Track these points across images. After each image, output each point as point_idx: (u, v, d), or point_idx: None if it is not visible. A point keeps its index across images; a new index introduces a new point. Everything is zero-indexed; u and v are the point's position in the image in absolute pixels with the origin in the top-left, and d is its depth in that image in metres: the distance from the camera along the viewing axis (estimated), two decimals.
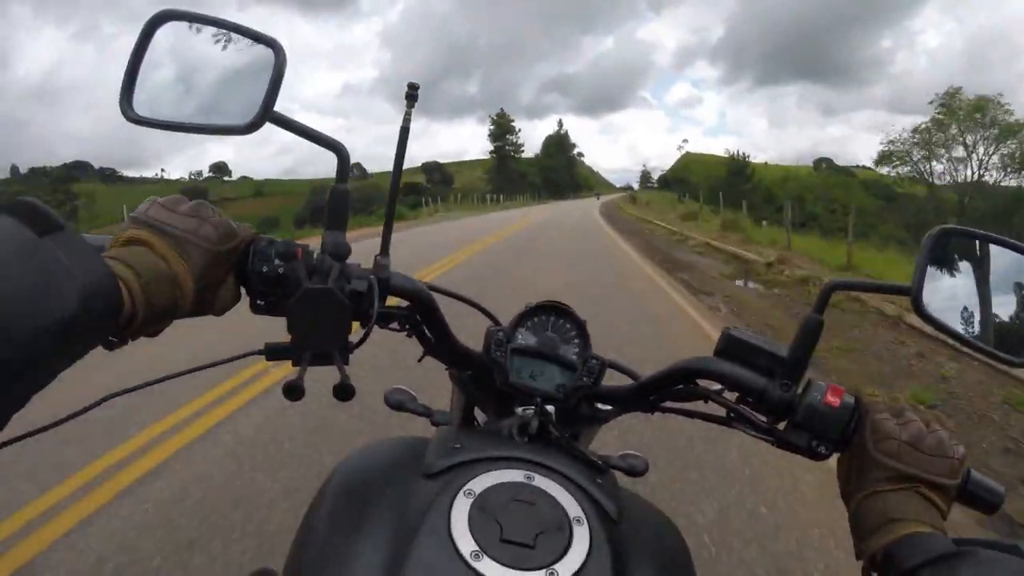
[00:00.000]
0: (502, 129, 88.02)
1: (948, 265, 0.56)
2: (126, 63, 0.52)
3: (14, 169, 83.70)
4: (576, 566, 0.43)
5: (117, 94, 0.51)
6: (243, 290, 0.54)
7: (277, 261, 0.53)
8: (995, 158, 31.77)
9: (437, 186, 73.33)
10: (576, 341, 0.67)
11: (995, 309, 0.56)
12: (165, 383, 0.53)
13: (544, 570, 0.42)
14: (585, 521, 0.47)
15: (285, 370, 1.68)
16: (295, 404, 0.58)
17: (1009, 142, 31.08)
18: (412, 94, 0.59)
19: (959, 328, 0.55)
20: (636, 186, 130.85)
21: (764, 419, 0.57)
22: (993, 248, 0.55)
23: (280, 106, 0.52)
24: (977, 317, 0.56)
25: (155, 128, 0.52)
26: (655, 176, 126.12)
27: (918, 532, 0.46)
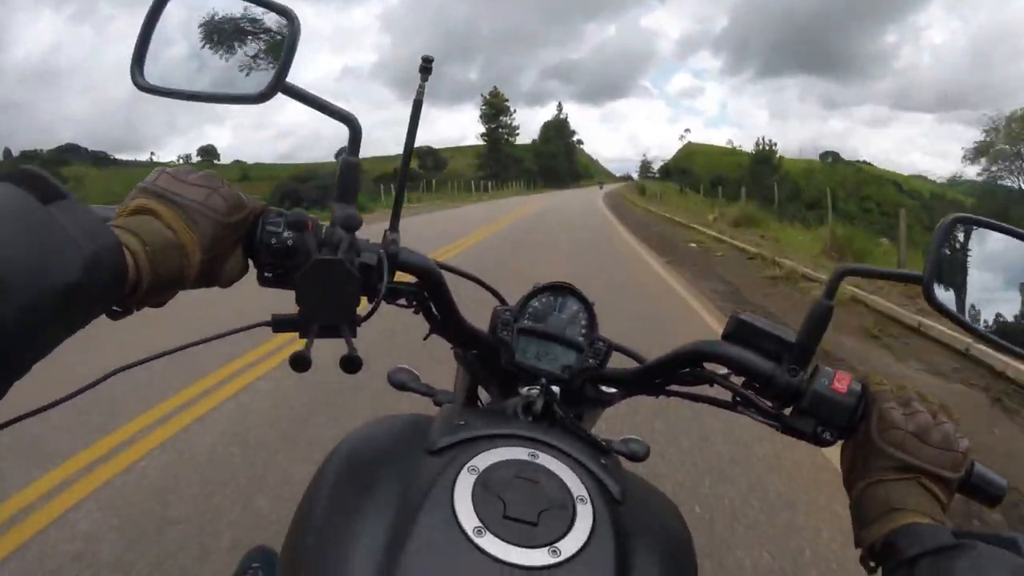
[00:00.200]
0: (495, 109, 78.57)
1: (961, 254, 0.56)
2: (138, 31, 0.51)
3: (7, 152, 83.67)
4: (579, 545, 0.43)
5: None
6: (250, 262, 0.54)
7: (287, 232, 0.52)
8: None
9: (430, 172, 70.74)
10: (583, 323, 0.66)
11: (1006, 299, 0.56)
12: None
13: (546, 548, 0.42)
14: (589, 500, 0.47)
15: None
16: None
17: None
18: (427, 67, 0.58)
19: (969, 318, 0.55)
20: (636, 176, 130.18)
21: (770, 404, 0.57)
22: (1006, 238, 0.55)
23: None
24: (988, 306, 0.56)
25: (165, 96, 0.51)
26: (655, 166, 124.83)
27: (918, 523, 0.46)
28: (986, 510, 2.00)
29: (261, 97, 0.50)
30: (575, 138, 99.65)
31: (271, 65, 0.53)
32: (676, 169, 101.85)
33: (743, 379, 0.59)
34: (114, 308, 0.43)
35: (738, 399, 0.59)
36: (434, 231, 12.74)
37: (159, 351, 0.51)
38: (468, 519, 0.43)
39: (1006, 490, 0.52)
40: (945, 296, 0.53)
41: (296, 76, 0.51)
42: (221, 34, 0.55)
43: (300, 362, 0.49)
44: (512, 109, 79.46)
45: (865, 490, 0.50)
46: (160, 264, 0.43)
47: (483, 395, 0.79)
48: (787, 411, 0.57)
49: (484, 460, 0.48)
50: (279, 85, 0.50)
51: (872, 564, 0.48)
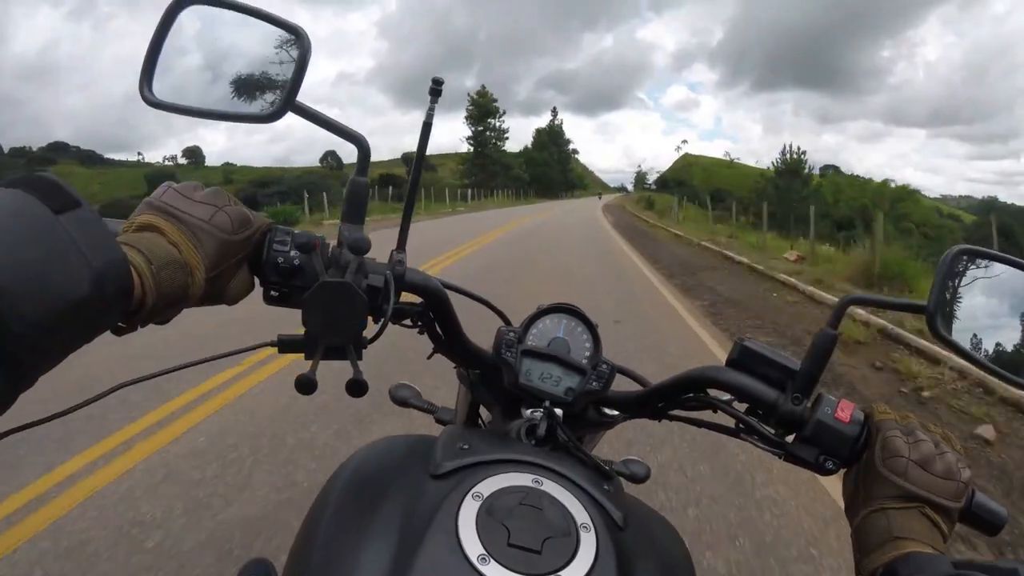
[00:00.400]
0: (482, 110, 68.41)
1: (965, 285, 0.56)
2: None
3: None
4: (582, 574, 0.43)
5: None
6: (256, 280, 0.53)
7: (294, 252, 0.52)
8: None
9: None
10: (587, 345, 0.66)
11: (1008, 328, 0.57)
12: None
13: None
14: (592, 528, 0.47)
15: None
16: None
17: None
18: (436, 89, 0.58)
19: (972, 349, 0.55)
20: (630, 187, 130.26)
21: (773, 432, 0.57)
22: (1009, 268, 0.56)
23: None
24: (989, 336, 0.56)
25: (174, 113, 0.50)
26: (651, 177, 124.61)
27: (920, 552, 0.46)
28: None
29: (271, 116, 0.50)
30: (570, 147, 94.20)
31: (280, 82, 0.52)
32: (673, 181, 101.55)
33: (746, 406, 0.59)
34: (119, 324, 0.42)
35: (741, 426, 0.59)
36: None
37: (166, 367, 0.51)
38: (472, 547, 0.42)
39: (1006, 520, 0.52)
40: (948, 326, 0.54)
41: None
42: (230, 51, 0.54)
43: (306, 385, 0.49)
44: (501, 110, 69.84)
45: (867, 518, 0.50)
46: (165, 283, 0.43)
47: (483, 413, 0.78)
48: (790, 439, 0.57)
49: (488, 486, 0.48)
50: (289, 104, 0.50)
51: None
